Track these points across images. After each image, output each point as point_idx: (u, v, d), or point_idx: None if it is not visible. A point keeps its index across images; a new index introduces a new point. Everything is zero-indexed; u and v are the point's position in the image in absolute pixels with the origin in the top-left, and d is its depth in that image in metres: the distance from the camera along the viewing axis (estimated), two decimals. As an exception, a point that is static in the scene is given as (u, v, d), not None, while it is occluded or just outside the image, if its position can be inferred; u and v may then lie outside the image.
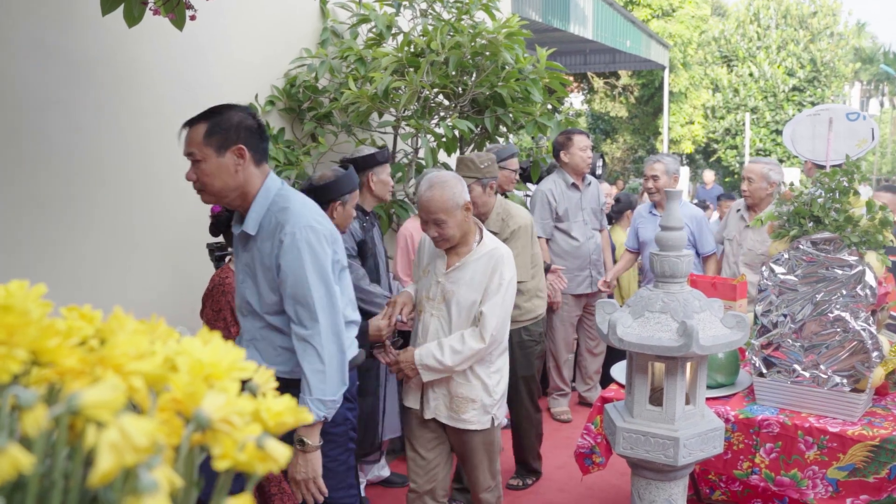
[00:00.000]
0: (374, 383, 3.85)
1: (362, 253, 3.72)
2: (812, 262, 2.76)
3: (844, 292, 2.70)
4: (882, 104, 45.26)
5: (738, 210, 4.70)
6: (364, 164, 3.71)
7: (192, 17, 2.75)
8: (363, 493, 3.82)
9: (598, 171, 8.64)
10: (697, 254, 4.86)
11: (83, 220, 3.35)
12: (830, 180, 2.92)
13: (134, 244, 3.62)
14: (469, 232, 2.89)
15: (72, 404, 0.50)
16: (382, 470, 4.14)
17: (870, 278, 2.68)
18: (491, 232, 3.24)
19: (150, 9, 2.67)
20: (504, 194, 4.59)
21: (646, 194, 5.56)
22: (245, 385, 0.71)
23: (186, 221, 3.76)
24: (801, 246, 2.78)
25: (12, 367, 0.54)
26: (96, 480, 0.48)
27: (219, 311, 3.03)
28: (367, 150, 3.81)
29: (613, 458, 3.97)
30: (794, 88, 22.54)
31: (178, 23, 2.75)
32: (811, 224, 2.92)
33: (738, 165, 20.91)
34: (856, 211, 2.91)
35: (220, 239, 3.31)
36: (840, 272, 2.71)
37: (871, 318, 2.71)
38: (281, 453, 0.60)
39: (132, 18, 2.70)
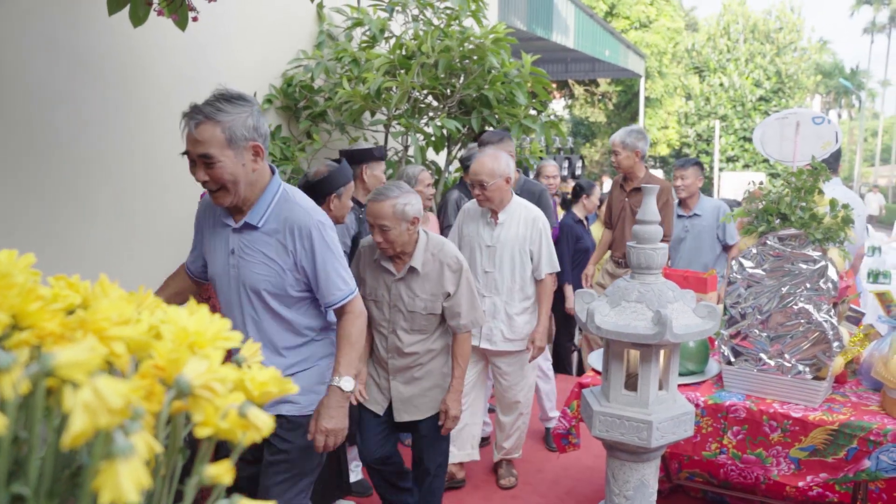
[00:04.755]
0: None
1: (356, 244, 3.69)
2: (778, 256, 2.74)
3: (808, 286, 2.69)
4: (840, 115, 45.64)
5: None
6: (359, 158, 3.69)
7: (195, 19, 2.70)
8: (361, 476, 3.77)
9: (578, 172, 8.58)
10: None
11: (88, 210, 3.29)
12: (797, 180, 2.91)
13: (137, 233, 3.56)
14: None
15: (45, 364, 0.46)
16: None
17: (832, 273, 2.67)
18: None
19: (154, 9, 2.61)
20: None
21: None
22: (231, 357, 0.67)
23: (188, 214, 3.70)
24: (768, 241, 2.77)
25: (-7, 331, 0.51)
26: (69, 441, 0.44)
27: None
28: (365, 146, 3.78)
29: (589, 441, 3.97)
30: (761, 98, 22.69)
31: (181, 24, 2.69)
32: (778, 221, 2.92)
33: (709, 170, 21.01)
34: (820, 209, 2.90)
35: None
36: (804, 266, 2.70)
37: (833, 310, 2.70)
38: (264, 422, 0.57)
39: (137, 19, 2.64)
